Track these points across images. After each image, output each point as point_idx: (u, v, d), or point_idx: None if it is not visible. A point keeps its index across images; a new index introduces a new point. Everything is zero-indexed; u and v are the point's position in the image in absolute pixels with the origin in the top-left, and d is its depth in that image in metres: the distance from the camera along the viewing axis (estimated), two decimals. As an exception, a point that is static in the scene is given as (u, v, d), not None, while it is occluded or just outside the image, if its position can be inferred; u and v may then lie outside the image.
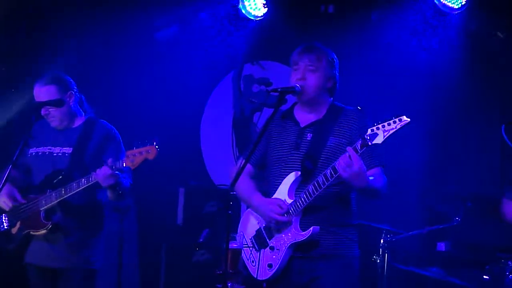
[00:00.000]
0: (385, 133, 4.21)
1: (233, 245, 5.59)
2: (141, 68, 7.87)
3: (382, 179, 4.57)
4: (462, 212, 6.13)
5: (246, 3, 7.76)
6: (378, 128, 4.23)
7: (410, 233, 6.38)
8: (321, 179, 4.41)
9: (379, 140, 4.22)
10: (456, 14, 7.13)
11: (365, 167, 4.32)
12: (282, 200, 4.56)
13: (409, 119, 4.17)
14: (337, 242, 4.59)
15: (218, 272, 6.21)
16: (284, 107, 4.88)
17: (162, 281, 7.80)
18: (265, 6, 7.69)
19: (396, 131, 4.20)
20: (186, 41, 8.04)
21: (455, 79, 7.37)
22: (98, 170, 5.01)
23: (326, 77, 4.67)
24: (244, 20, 7.82)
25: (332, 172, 4.36)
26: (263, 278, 4.61)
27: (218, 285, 6.14)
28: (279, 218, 4.52)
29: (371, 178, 4.43)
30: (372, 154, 4.50)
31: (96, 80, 7.60)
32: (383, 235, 6.35)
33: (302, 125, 4.70)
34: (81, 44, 7.66)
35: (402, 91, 7.40)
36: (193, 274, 7.44)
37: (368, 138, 4.23)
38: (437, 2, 7.11)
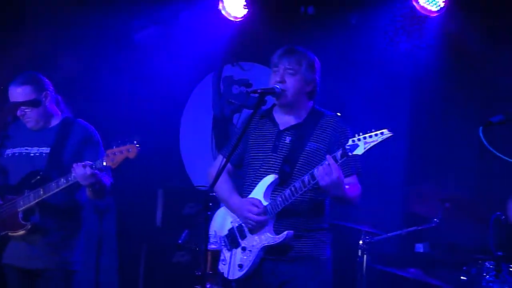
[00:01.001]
0: (366, 145, 4.24)
1: (212, 246, 5.58)
2: (121, 69, 7.84)
3: (357, 188, 4.61)
4: (441, 213, 6.15)
5: (226, 4, 7.75)
6: (359, 139, 4.26)
7: (389, 234, 6.40)
8: (298, 185, 4.43)
9: (359, 151, 4.25)
10: (434, 16, 7.16)
11: (343, 177, 4.35)
12: (259, 200, 4.56)
13: (391, 133, 4.20)
14: (309, 245, 4.61)
15: (197, 273, 6.20)
16: (264, 107, 4.89)
17: (141, 282, 7.77)
18: (245, 7, 7.69)
19: (377, 143, 4.22)
20: (166, 42, 8.03)
21: (434, 81, 7.41)
22: (77, 169, 4.98)
23: (305, 81, 4.66)
24: (224, 21, 7.81)
25: (310, 179, 4.38)
26: (233, 278, 4.64)
27: (197, 286, 6.13)
28: (256, 218, 4.52)
29: (347, 186, 4.46)
30: (349, 162, 4.50)
31: (75, 81, 7.57)
32: (362, 236, 6.36)
33: (281, 128, 4.70)
34: (60, 45, 7.63)
35: (381, 93, 7.44)
36: (172, 275, 7.42)
37: (349, 148, 4.26)
38: (416, 5, 7.13)
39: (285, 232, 4.48)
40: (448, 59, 7.31)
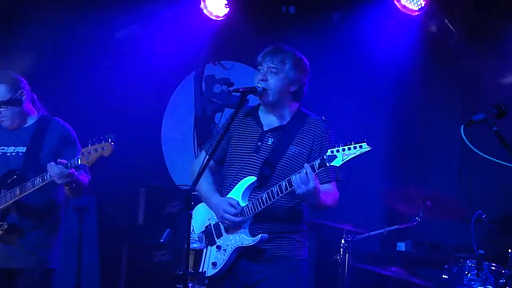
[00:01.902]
0: (344, 157, 4.24)
1: (194, 245, 5.57)
2: (101, 67, 7.82)
3: (335, 194, 4.60)
4: (422, 212, 6.17)
5: (208, 3, 7.74)
6: (338, 151, 4.25)
7: (371, 233, 6.42)
8: (275, 190, 4.42)
9: (337, 163, 4.24)
10: (415, 15, 7.19)
11: (319, 187, 4.35)
12: (236, 201, 4.55)
13: (370, 148, 4.20)
14: (284, 246, 4.60)
15: (179, 273, 6.19)
16: (250, 105, 4.87)
17: (123, 281, 7.74)
18: (227, 6, 7.68)
19: (355, 156, 4.23)
20: (147, 41, 8.00)
21: (415, 80, 7.45)
22: (52, 168, 4.96)
23: (289, 80, 4.60)
24: (206, 20, 7.80)
25: (287, 185, 4.37)
26: (206, 275, 4.62)
27: (179, 286, 6.12)
28: (232, 219, 4.52)
29: (324, 193, 4.46)
30: (328, 169, 4.49)
31: (55, 79, 7.54)
32: (344, 235, 6.37)
33: (265, 129, 4.67)
34: (39, 43, 7.58)
35: (363, 92, 7.46)
36: (154, 274, 7.40)
37: (327, 158, 4.26)
38: (397, 4, 7.16)
39: (259, 236, 4.48)
40: (429, 58, 7.35)
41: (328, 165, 4.26)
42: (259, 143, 4.63)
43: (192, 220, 4.76)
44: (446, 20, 7.17)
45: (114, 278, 7.76)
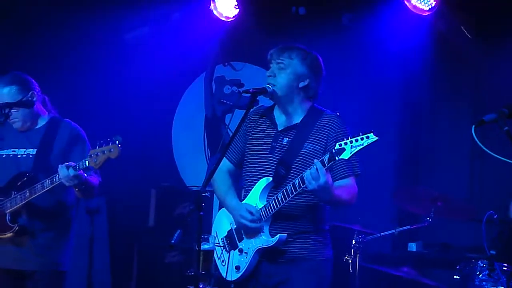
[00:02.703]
0: (352, 149, 4.23)
1: (205, 246, 5.58)
2: (113, 70, 7.83)
3: (352, 189, 4.57)
4: (433, 212, 6.16)
5: (218, 4, 7.74)
6: (346, 143, 4.25)
7: (382, 233, 6.41)
8: (289, 188, 4.41)
9: (345, 155, 4.23)
10: (426, 15, 7.17)
11: (331, 181, 4.32)
12: (253, 206, 4.55)
13: (377, 137, 4.19)
14: (305, 247, 4.58)
15: (190, 274, 6.19)
16: (265, 105, 4.86)
17: (134, 282, 7.77)
18: (237, 7, 7.69)
19: (363, 147, 4.22)
20: (158, 43, 8.02)
21: (426, 80, 7.43)
22: (60, 170, 4.97)
23: (296, 75, 4.58)
24: (216, 21, 7.80)
25: (300, 183, 4.36)
26: (231, 279, 4.64)
27: (190, 287, 6.12)
28: (249, 225, 4.52)
29: (340, 188, 4.45)
30: (345, 164, 4.49)
31: (67, 81, 7.56)
32: (354, 236, 6.36)
33: (279, 128, 4.66)
34: (52, 45, 7.60)
35: (373, 93, 7.45)
36: (165, 276, 7.42)
37: (335, 152, 4.25)
38: (408, 4, 7.14)
39: (278, 236, 4.48)
40: (439, 59, 7.33)
41: (337, 158, 4.24)
42: (274, 143, 4.62)
43: (215, 224, 4.80)
44: (457, 20, 7.15)
45: (125, 279, 7.79)
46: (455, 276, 5.96)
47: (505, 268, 5.63)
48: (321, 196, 4.39)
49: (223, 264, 4.67)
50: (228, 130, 5.03)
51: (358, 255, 6.34)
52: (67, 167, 4.96)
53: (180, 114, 8.46)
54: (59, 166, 5.00)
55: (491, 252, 5.61)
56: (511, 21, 6.95)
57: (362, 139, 4.21)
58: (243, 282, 4.62)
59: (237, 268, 4.59)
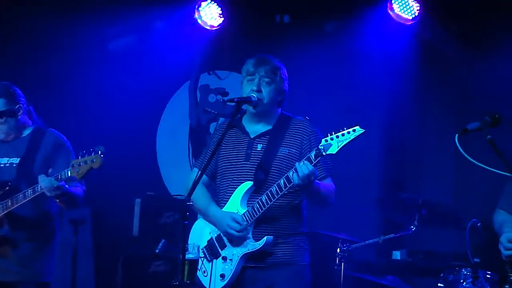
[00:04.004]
0: (339, 143, 4.28)
1: (190, 255, 5.56)
2: (96, 79, 7.80)
3: (332, 188, 4.66)
4: (417, 220, 6.17)
5: (202, 13, 7.74)
6: (332, 139, 4.30)
7: (366, 242, 6.41)
8: (274, 189, 4.45)
9: (333, 150, 4.29)
10: (409, 24, 7.20)
11: (317, 175, 4.39)
12: (238, 214, 4.58)
13: (363, 130, 4.24)
14: (288, 251, 4.64)
15: (175, 283, 6.17)
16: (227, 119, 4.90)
17: (118, 292, 7.73)
18: (221, 16, 7.69)
19: (350, 141, 4.26)
20: (142, 51, 7.99)
21: (410, 88, 7.45)
22: (42, 181, 4.94)
23: (279, 91, 4.71)
24: (200, 30, 7.80)
25: (286, 182, 4.40)
26: None
27: (175, 296, 6.11)
28: (237, 234, 4.54)
29: (322, 185, 4.54)
30: (320, 165, 4.55)
31: (51, 91, 7.53)
32: (339, 244, 6.36)
33: (252, 136, 4.72)
34: (35, 55, 7.58)
35: (358, 100, 7.46)
36: (150, 285, 7.38)
37: (322, 148, 4.28)
38: (391, 13, 7.17)
39: (265, 238, 4.49)
40: (423, 67, 7.36)
41: (324, 154, 4.31)
42: (249, 151, 4.69)
43: (191, 236, 4.79)
44: (440, 29, 7.18)
45: (110, 289, 7.74)
46: (439, 284, 5.97)
47: (488, 276, 5.65)
48: (309, 191, 4.45)
49: (205, 274, 4.67)
50: (208, 145, 5.04)
51: (343, 264, 6.34)
52: (49, 177, 4.94)
53: (165, 123, 8.44)
54: (39, 176, 4.98)
55: (475, 260, 5.63)
56: (495, 28, 6.99)
57: (348, 132, 4.29)
58: None
59: (222, 276, 4.60)
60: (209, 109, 8.24)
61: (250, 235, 4.54)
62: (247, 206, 4.56)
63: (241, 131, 4.77)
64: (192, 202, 4.67)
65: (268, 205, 4.47)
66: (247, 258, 4.55)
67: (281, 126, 4.72)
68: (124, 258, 7.70)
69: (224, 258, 4.60)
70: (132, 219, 7.76)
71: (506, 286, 4.25)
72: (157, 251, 6.65)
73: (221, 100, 8.15)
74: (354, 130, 4.28)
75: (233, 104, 4.64)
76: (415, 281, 6.81)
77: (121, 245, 7.76)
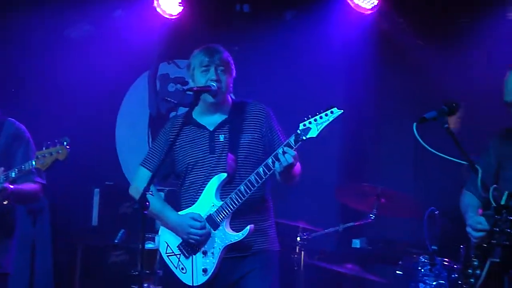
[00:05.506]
0: (319, 126, 4.30)
1: (149, 245, 5.54)
2: (54, 67, 7.72)
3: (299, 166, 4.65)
4: (376, 209, 6.22)
5: (162, 2, 7.69)
6: (310, 122, 4.30)
7: (326, 230, 6.45)
8: (253, 178, 4.45)
9: (313, 134, 4.31)
10: (368, 14, 7.23)
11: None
12: (197, 214, 4.57)
13: (341, 111, 4.26)
14: (264, 238, 4.67)
15: (134, 273, 6.15)
16: (179, 113, 4.87)
17: (77, 283, 7.67)
18: (181, 4, 7.65)
19: (329, 122, 4.27)
20: (100, 40, 7.92)
21: (369, 78, 7.49)
22: None
23: (232, 77, 4.74)
24: (160, 18, 7.75)
25: (265, 170, 4.41)
26: (199, 284, 4.60)
27: (134, 286, 6.09)
28: (200, 232, 4.54)
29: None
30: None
31: (6, 79, 7.43)
32: (299, 233, 6.39)
33: (210, 128, 4.71)
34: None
35: (317, 89, 7.48)
36: (109, 275, 7.35)
37: (301, 132, 4.29)
38: (350, 3, 7.19)
39: (248, 227, 4.49)
40: (382, 57, 7.40)
41: (304, 138, 4.32)
42: (212, 144, 4.66)
43: (163, 236, 4.76)
44: (398, 19, 7.23)
45: (69, 280, 7.69)
46: (397, 272, 6.05)
47: (446, 263, 5.74)
48: (288, 175, 4.46)
49: (184, 271, 4.64)
50: (155, 143, 4.96)
51: (302, 252, 6.37)
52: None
53: (124, 112, 8.40)
54: None
55: (432, 247, 5.70)
56: (453, 19, 7.06)
57: (326, 114, 4.30)
58: (208, 284, 4.60)
59: (205, 271, 4.57)
60: (169, 98, 8.21)
61: (228, 226, 4.52)
62: (222, 199, 4.55)
63: (196, 126, 4.74)
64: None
65: (248, 195, 4.47)
66: (228, 249, 4.55)
67: (237, 113, 4.72)
68: (83, 248, 7.65)
69: (204, 253, 4.58)
70: (91, 209, 7.72)
71: (470, 271, 4.30)
72: (116, 241, 6.64)
73: (180, 89, 8.12)
74: (332, 112, 4.30)
75: (192, 93, 4.61)
76: (375, 269, 6.87)
77: (80, 235, 7.71)
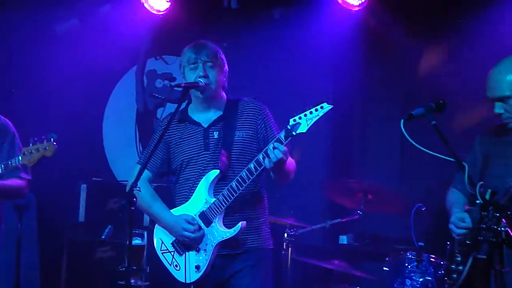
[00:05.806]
0: (309, 122, 4.29)
1: (136, 241, 5.54)
2: (41, 63, 7.68)
3: (293, 162, 4.65)
4: (363, 205, 6.23)
5: (149, -3, 7.68)
6: (300, 118, 4.30)
7: (313, 227, 6.46)
8: (244, 174, 4.44)
9: (303, 129, 4.30)
10: (356, 11, 7.24)
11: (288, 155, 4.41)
12: (191, 216, 4.57)
13: (331, 106, 4.26)
14: (258, 236, 4.66)
15: (121, 269, 6.15)
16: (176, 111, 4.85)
17: (64, 279, 7.64)
18: (168, 0, 7.63)
19: (319, 118, 4.27)
20: (88, 35, 7.89)
21: (356, 74, 7.51)
22: None
23: (223, 73, 4.70)
24: (147, 14, 7.73)
25: (256, 166, 4.40)
26: (192, 281, 4.59)
27: (121, 282, 6.09)
28: (193, 236, 4.53)
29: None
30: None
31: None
32: (286, 229, 6.40)
33: (205, 125, 4.70)
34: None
35: (304, 86, 7.49)
36: (96, 271, 7.32)
37: (291, 128, 4.29)
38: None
39: (239, 224, 4.48)
40: (370, 54, 7.41)
41: (294, 134, 4.30)
42: (206, 140, 4.66)
43: (157, 233, 4.75)
44: (386, 15, 7.24)
45: (55, 276, 7.66)
46: (384, 268, 6.06)
47: (432, 259, 5.75)
48: (280, 172, 4.45)
49: (177, 268, 4.63)
50: (152, 140, 4.98)
51: (290, 249, 6.37)
52: None
53: (111, 108, 8.37)
54: None
55: (419, 243, 5.72)
56: (441, 16, 7.07)
57: (316, 110, 4.30)
58: (202, 280, 4.60)
59: (197, 267, 4.57)
60: (156, 94, 8.20)
61: (221, 223, 4.52)
62: (215, 195, 4.55)
63: (191, 123, 4.73)
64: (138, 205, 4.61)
65: (240, 191, 4.46)
66: (220, 246, 4.55)
67: (232, 110, 4.70)
68: (69, 244, 7.62)
69: (197, 250, 4.58)
70: (78, 204, 7.69)
71: (453, 266, 4.31)
72: (103, 237, 6.62)
73: (168, 85, 8.12)
74: (322, 107, 4.29)
75: (180, 89, 4.60)
76: (362, 265, 6.88)
77: (67, 231, 7.68)
